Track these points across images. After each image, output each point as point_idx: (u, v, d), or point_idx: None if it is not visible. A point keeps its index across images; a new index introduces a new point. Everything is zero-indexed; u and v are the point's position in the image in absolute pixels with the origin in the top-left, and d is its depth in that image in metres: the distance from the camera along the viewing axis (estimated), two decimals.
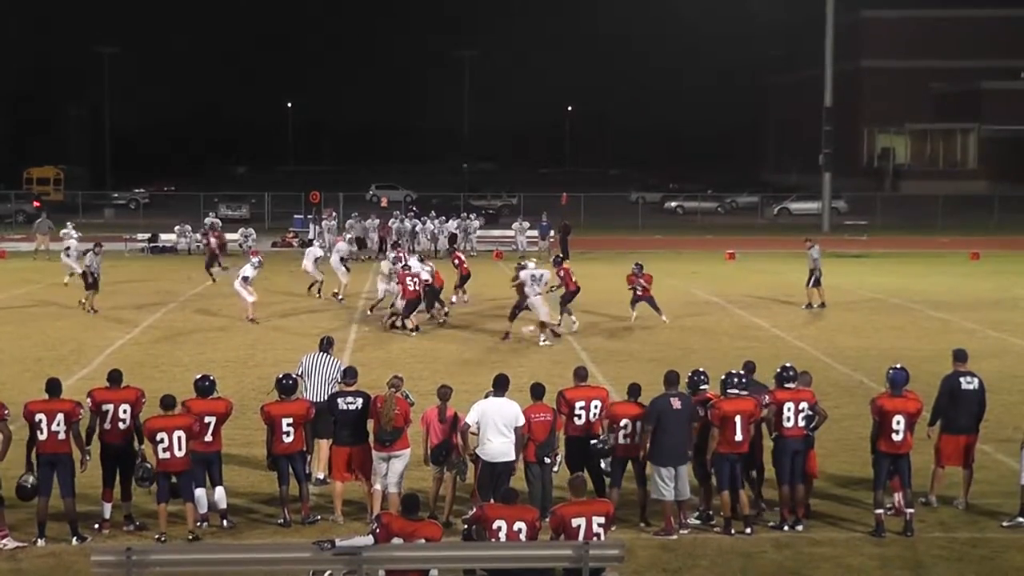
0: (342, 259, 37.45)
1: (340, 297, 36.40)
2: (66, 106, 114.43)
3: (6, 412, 14.72)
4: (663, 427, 14.97)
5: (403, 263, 31.79)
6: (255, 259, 33.61)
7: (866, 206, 77.78)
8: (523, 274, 28.95)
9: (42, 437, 14.70)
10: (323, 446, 16.51)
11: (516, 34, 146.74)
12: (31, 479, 14.76)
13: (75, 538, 14.70)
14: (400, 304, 30.51)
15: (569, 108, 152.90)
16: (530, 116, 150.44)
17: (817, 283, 34.99)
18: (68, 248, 39.67)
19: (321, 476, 16.47)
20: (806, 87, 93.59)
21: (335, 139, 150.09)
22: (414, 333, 29.98)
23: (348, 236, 46.11)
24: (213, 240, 43.61)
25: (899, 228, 69.03)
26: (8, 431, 14.70)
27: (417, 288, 30.15)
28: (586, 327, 30.86)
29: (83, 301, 33.81)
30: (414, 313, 30.33)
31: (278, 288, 38.74)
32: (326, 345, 17.81)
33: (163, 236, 56.22)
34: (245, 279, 32.22)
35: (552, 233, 54.31)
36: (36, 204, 70.55)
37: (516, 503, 12.31)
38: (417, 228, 54.41)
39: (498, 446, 14.89)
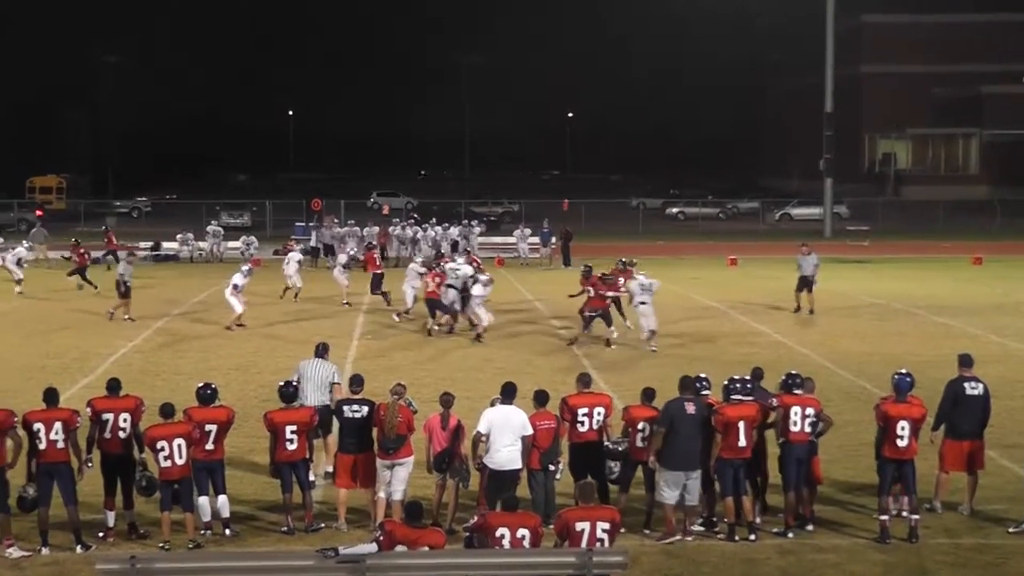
0: (344, 266, 37.79)
1: (345, 302, 36.68)
2: (68, 114, 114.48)
3: (15, 420, 14.72)
4: (676, 431, 14.95)
5: (445, 263, 32.56)
6: (245, 267, 33.60)
7: (868, 211, 77.75)
8: (634, 284, 28.96)
9: (41, 446, 14.71)
10: (327, 441, 16.69)
11: (515, 40, 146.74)
12: (31, 490, 14.76)
13: (79, 546, 14.69)
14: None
15: (570, 114, 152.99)
16: (530, 122, 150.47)
17: (808, 288, 34.90)
18: (19, 259, 41.17)
19: (330, 469, 16.38)
20: (807, 92, 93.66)
21: (336, 146, 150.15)
22: (434, 332, 30.68)
23: (350, 246, 46.30)
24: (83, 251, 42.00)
25: (901, 233, 68.99)
26: (19, 438, 14.72)
27: (436, 289, 30.76)
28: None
29: (112, 311, 33.80)
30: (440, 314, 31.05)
31: (279, 295, 38.64)
32: (322, 351, 18.15)
33: (165, 244, 56.19)
34: (236, 287, 32.19)
35: (553, 240, 54.29)
36: (39, 213, 70.42)
37: (519, 510, 12.30)
38: (418, 235, 54.38)
39: (507, 454, 14.89)
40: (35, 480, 14.77)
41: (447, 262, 33.21)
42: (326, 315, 35.07)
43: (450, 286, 31.04)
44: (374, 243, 44.45)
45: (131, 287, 34.04)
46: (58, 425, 14.74)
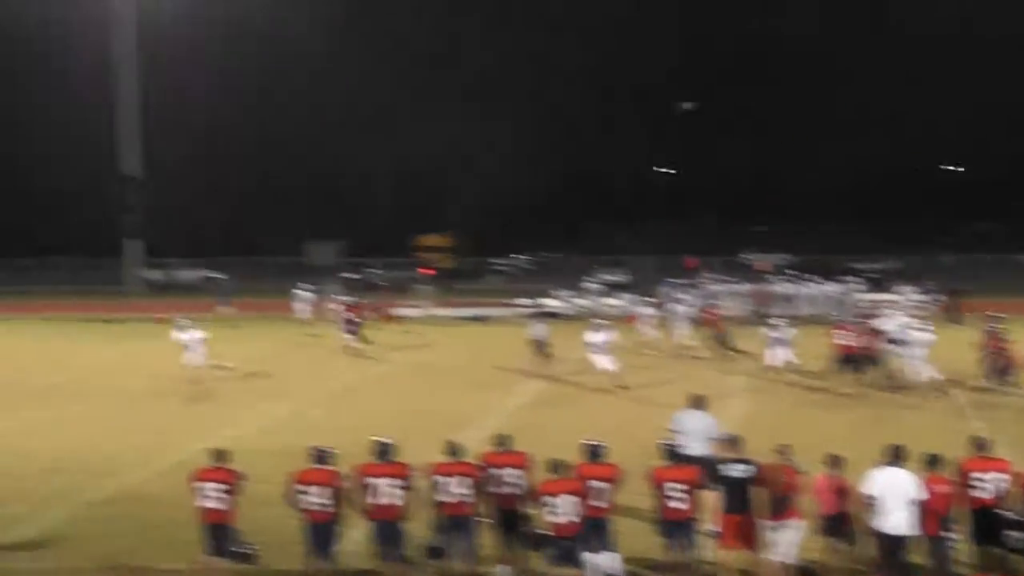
0: (683, 320, 39.81)
1: (692, 354, 38.04)
2: (448, 175, 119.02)
3: (411, 472, 15.35)
4: None
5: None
6: (599, 322, 33.76)
7: None
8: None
9: (447, 499, 15.30)
10: (708, 498, 16.45)
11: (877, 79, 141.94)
12: (439, 540, 15.34)
13: None
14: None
15: (948, 167, 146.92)
16: (897, 168, 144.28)
17: None
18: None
19: (713, 528, 16.26)
20: None
21: (713, 199, 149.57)
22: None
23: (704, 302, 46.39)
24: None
25: None
26: (418, 490, 15.33)
27: (849, 344, 31.20)
28: (983, 394, 29.82)
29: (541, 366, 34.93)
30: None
31: (653, 352, 38.89)
32: (698, 402, 18.35)
33: (544, 301, 57.10)
34: (593, 345, 32.48)
35: (940, 298, 52.08)
36: (429, 271, 71.96)
37: None
38: (791, 293, 53.23)
39: (898, 519, 14.47)
40: (439, 531, 15.36)
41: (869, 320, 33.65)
42: (701, 375, 34.66)
43: (892, 340, 31.15)
44: (716, 302, 44.94)
45: (549, 349, 35.18)
46: (463, 479, 15.35)
